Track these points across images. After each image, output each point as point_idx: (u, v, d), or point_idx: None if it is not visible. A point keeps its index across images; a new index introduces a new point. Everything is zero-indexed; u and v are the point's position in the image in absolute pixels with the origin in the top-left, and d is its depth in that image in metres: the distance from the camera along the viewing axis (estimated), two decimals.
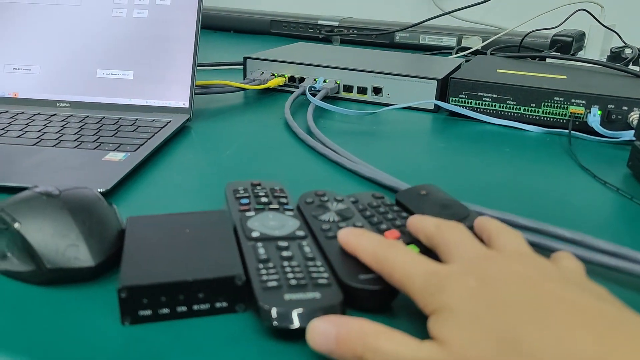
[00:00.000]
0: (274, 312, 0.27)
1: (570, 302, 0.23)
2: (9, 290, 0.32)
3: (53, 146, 0.51)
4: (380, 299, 0.30)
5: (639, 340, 0.20)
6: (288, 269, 0.30)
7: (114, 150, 0.51)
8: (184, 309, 0.29)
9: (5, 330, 0.28)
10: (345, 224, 0.36)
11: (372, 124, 0.66)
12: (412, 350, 0.24)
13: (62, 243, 0.32)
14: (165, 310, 0.29)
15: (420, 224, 0.33)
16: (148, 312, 0.29)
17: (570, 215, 0.44)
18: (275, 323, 0.27)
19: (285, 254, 0.32)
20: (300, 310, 0.27)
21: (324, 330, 0.25)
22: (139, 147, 0.52)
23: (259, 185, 0.41)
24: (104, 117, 0.60)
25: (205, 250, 0.31)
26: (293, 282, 0.29)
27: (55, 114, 0.60)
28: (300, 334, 0.27)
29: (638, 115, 0.60)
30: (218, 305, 0.30)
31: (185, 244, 0.32)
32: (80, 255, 0.32)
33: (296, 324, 0.27)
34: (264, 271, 0.30)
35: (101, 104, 0.63)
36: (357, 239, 0.31)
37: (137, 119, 0.59)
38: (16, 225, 0.32)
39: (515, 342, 0.21)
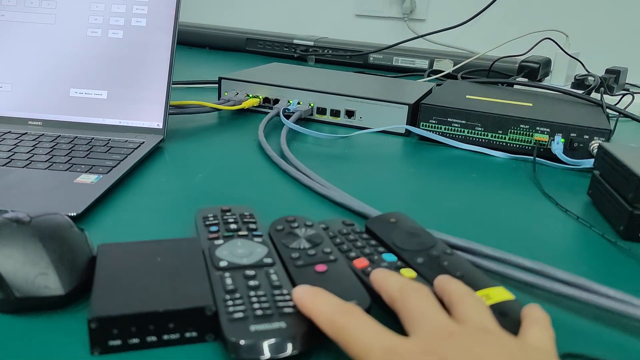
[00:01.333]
0: (240, 344, 0.28)
1: None
2: None
3: (24, 167, 0.51)
4: None
5: None
6: (254, 299, 0.31)
7: (86, 172, 0.51)
8: (153, 338, 0.29)
9: None
10: (314, 251, 0.36)
11: (345, 147, 0.68)
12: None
13: (32, 271, 0.32)
14: (135, 340, 0.29)
15: (384, 283, 0.31)
16: (118, 342, 0.29)
17: (532, 243, 0.46)
18: (242, 355, 0.28)
19: (252, 283, 0.32)
20: (266, 342, 0.28)
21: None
22: (111, 169, 0.52)
23: (229, 211, 0.42)
24: (77, 137, 0.60)
25: (176, 280, 0.32)
26: (259, 312, 0.30)
27: (26, 133, 0.60)
28: None
29: (597, 145, 0.62)
30: (188, 335, 0.30)
31: (156, 273, 0.33)
32: (50, 283, 0.32)
33: (261, 355, 0.28)
34: (230, 302, 0.30)
35: (74, 123, 0.63)
36: (312, 301, 0.29)
37: (110, 139, 0.60)
38: None
39: None
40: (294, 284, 0.33)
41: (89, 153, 0.55)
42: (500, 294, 0.33)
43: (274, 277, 0.33)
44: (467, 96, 0.78)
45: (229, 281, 0.32)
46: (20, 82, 0.64)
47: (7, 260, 0.32)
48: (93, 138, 0.60)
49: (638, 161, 0.48)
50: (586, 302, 0.35)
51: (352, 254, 0.37)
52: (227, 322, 0.29)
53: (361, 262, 0.36)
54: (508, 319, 0.31)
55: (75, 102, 0.64)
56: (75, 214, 0.43)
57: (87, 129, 0.63)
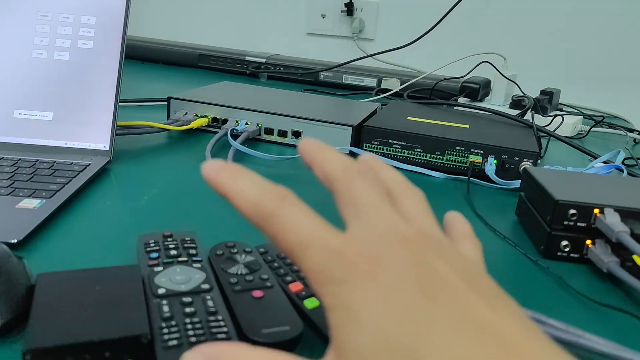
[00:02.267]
0: None
1: (491, 332, 0.20)
2: None
3: None
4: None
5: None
6: (189, 326, 0.32)
7: (29, 196, 0.51)
8: None
9: None
10: (251, 277, 0.38)
11: (291, 168, 0.70)
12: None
13: None
14: None
15: (320, 156, 0.27)
16: None
17: None
18: None
19: (188, 310, 0.34)
20: None
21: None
22: (55, 193, 0.52)
23: (171, 236, 0.43)
24: (20, 159, 0.60)
25: (114, 308, 0.33)
26: (193, 339, 0.31)
27: None
28: None
29: (523, 168, 0.66)
30: None
31: (95, 301, 0.34)
32: None
33: None
34: (165, 330, 0.32)
35: (18, 144, 0.63)
36: (233, 179, 0.24)
37: (55, 162, 0.60)
38: None
39: None
40: (230, 310, 0.35)
41: (33, 176, 0.56)
42: None
43: (210, 303, 0.35)
44: (409, 118, 0.81)
45: (165, 308, 0.34)
46: None
47: None
48: (37, 160, 0.60)
49: (556, 184, 0.52)
50: None
51: (288, 278, 0.39)
52: (162, 349, 0.30)
53: (296, 286, 0.38)
54: None
55: (19, 124, 0.63)
56: (16, 241, 0.43)
57: (31, 150, 0.63)
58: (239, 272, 0.39)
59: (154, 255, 0.40)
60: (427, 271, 0.22)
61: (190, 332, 0.32)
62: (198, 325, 0.32)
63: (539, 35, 1.36)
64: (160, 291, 0.35)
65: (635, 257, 0.45)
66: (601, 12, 1.31)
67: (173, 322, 0.32)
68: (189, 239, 0.43)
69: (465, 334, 0.20)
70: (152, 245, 0.41)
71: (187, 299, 0.35)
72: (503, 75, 1.06)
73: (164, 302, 0.34)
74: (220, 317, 0.33)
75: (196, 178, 0.63)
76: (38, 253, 0.43)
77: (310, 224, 0.23)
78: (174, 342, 0.31)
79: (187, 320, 0.33)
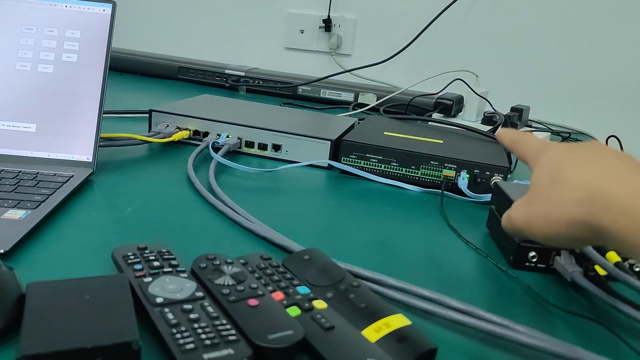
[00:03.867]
0: None
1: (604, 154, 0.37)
2: None
3: None
4: (286, 355, 0.35)
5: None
6: (199, 330, 0.34)
7: (14, 207, 0.52)
8: None
9: None
10: (242, 287, 0.40)
11: (271, 181, 0.72)
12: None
13: None
14: None
15: (519, 140, 0.44)
16: None
17: (435, 272, 0.51)
18: None
19: (192, 316, 0.35)
20: None
21: None
22: (40, 204, 0.53)
23: (146, 248, 0.44)
24: (3, 170, 0.60)
25: (104, 316, 0.34)
26: (207, 342, 0.33)
27: None
28: None
29: (494, 182, 0.70)
30: None
31: (85, 309, 0.35)
32: None
33: None
34: (178, 335, 0.33)
35: (1, 155, 0.63)
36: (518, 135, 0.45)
37: (38, 173, 0.60)
38: None
39: (562, 173, 0.36)
40: (230, 318, 0.36)
41: (17, 187, 0.56)
42: (399, 320, 0.38)
43: (210, 309, 0.36)
44: (385, 132, 0.84)
45: (170, 316, 0.35)
46: None
47: None
48: (21, 171, 0.60)
49: None
50: (474, 327, 0.40)
51: (270, 288, 0.41)
52: (181, 353, 0.32)
53: (278, 296, 0.40)
54: (404, 343, 0.36)
55: (2, 135, 0.64)
56: (2, 251, 0.44)
57: (14, 162, 0.63)
58: (227, 283, 0.40)
59: (138, 267, 0.41)
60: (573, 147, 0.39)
61: (203, 336, 0.33)
62: (207, 329, 0.34)
63: (510, 54, 1.41)
64: (158, 300, 0.37)
65: (597, 267, 0.48)
66: (568, 34, 1.36)
67: (182, 328, 0.34)
68: (165, 250, 0.44)
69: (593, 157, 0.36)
70: (132, 257, 0.43)
71: (188, 306, 0.36)
72: (475, 92, 1.10)
73: (166, 309, 0.36)
74: (224, 321, 0.35)
75: (178, 190, 0.65)
76: (25, 263, 0.44)
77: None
78: (191, 346, 0.32)
79: (195, 325, 0.34)
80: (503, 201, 0.58)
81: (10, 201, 0.53)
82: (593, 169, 0.35)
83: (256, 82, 1.36)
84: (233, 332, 0.34)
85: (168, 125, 0.83)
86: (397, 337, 0.36)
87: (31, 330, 0.32)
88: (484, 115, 1.08)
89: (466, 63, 1.41)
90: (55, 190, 0.57)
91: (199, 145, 0.79)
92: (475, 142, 0.85)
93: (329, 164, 0.78)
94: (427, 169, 0.74)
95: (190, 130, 0.83)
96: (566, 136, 1.10)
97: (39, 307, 0.35)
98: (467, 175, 0.73)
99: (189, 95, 1.12)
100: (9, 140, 0.64)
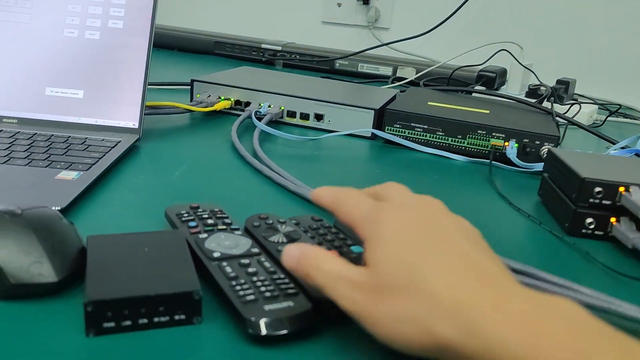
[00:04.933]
0: (262, 322, 0.31)
1: (465, 255, 0.29)
2: None
3: (3, 163, 0.52)
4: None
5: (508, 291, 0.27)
6: (258, 283, 0.34)
7: (66, 169, 0.53)
8: (145, 321, 0.32)
9: None
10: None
11: (314, 149, 0.71)
12: (347, 269, 0.30)
13: (26, 260, 0.34)
14: (128, 323, 0.32)
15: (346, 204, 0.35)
16: (111, 324, 0.31)
17: (487, 239, 0.50)
18: (263, 332, 0.31)
19: (250, 270, 0.35)
20: (282, 318, 0.31)
21: (293, 252, 0.33)
22: (90, 167, 0.54)
23: (199, 208, 0.44)
24: (53, 135, 0.61)
25: (165, 267, 0.34)
26: (267, 294, 0.33)
27: (1, 130, 0.61)
28: (277, 339, 0.31)
29: (547, 150, 0.67)
30: (177, 317, 0.33)
31: (146, 261, 0.35)
32: (44, 271, 0.34)
33: (283, 331, 0.31)
34: (238, 287, 0.33)
35: (49, 121, 0.64)
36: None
37: (87, 138, 0.61)
38: None
39: (420, 276, 0.28)
40: (287, 274, 0.36)
41: (67, 151, 0.57)
42: None
43: (267, 264, 0.36)
44: (429, 103, 0.82)
45: (228, 269, 0.35)
46: None
47: (2, 249, 0.34)
48: (70, 136, 0.61)
49: (581, 164, 0.53)
50: (534, 287, 0.39)
51: (324, 247, 0.40)
52: (242, 304, 0.32)
53: (332, 254, 0.39)
54: None
55: (50, 101, 0.65)
56: (59, 208, 0.44)
57: (62, 127, 0.64)
58: (282, 241, 0.40)
59: (193, 224, 0.41)
60: (432, 220, 0.32)
61: (263, 289, 0.33)
62: (266, 282, 0.34)
63: (555, 26, 1.37)
64: (216, 254, 0.37)
65: None
66: (616, 4, 1.31)
67: (242, 280, 0.34)
68: (217, 209, 0.44)
69: (453, 258, 0.29)
70: (186, 215, 0.43)
71: (245, 261, 0.36)
72: (521, 64, 1.06)
73: (224, 263, 0.36)
74: (282, 275, 0.35)
75: (223, 156, 0.65)
76: (80, 221, 0.45)
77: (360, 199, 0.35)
78: (251, 297, 0.32)
79: (254, 278, 0.34)
80: (558, 168, 0.56)
81: (62, 163, 0.54)
82: (455, 273, 0.28)
83: (293, 56, 1.35)
84: (292, 285, 0.34)
85: (210, 95, 0.83)
86: None
87: (95, 279, 0.33)
88: (528, 88, 1.05)
89: (509, 35, 1.37)
90: (105, 154, 0.57)
91: (240, 115, 0.79)
92: (522, 113, 0.83)
93: (372, 134, 0.77)
94: (474, 138, 0.72)
95: (231, 100, 0.82)
96: (616, 109, 1.06)
97: (100, 258, 0.35)
98: (516, 145, 0.71)
99: (226, 69, 1.12)
100: (58, 107, 0.65)
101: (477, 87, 1.10)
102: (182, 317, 0.33)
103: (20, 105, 0.64)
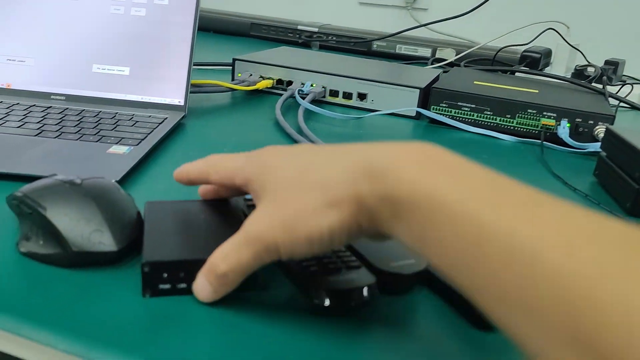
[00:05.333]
0: (326, 294, 0.30)
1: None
2: (36, 271, 0.33)
3: (55, 137, 0.53)
4: (408, 284, 0.33)
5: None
6: (320, 255, 0.33)
7: (117, 143, 0.53)
8: None
9: (34, 306, 0.30)
10: None
11: (358, 128, 0.70)
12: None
13: (86, 228, 0.34)
14: (183, 285, 0.32)
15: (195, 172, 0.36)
16: (167, 286, 0.31)
17: None
18: (327, 303, 0.30)
19: None
20: (347, 290, 0.31)
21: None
22: (140, 142, 0.54)
23: None
24: (101, 112, 0.61)
25: (221, 234, 0.33)
26: (330, 265, 0.32)
27: (51, 106, 0.61)
28: (340, 311, 0.31)
29: (604, 129, 0.65)
30: None
31: (202, 227, 0.35)
32: (104, 240, 0.34)
33: (348, 302, 0.30)
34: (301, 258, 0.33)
35: (96, 98, 0.64)
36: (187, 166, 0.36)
37: (134, 114, 0.61)
38: (43, 210, 0.34)
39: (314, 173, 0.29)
40: (350, 248, 0.35)
41: (116, 126, 0.57)
42: None
43: None
44: (475, 82, 0.80)
45: None
46: (43, 57, 0.65)
47: (64, 217, 0.34)
48: (117, 113, 0.61)
49: None
50: None
51: None
52: (305, 277, 0.31)
53: None
54: None
55: (97, 78, 0.65)
56: (114, 181, 0.44)
57: (109, 104, 0.64)
58: None
59: (248, 196, 0.41)
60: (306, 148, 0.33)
61: (325, 260, 0.33)
62: (328, 255, 0.33)
63: (601, 5, 1.32)
64: None
65: None
66: None
67: None
68: None
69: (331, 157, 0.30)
70: None
71: None
72: (568, 44, 1.03)
73: None
74: (343, 248, 0.34)
75: (267, 134, 0.64)
76: (133, 194, 0.45)
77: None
78: (314, 269, 0.32)
79: None
80: (619, 147, 0.53)
81: (112, 138, 0.54)
82: (340, 167, 0.29)
83: (329, 38, 1.33)
84: (354, 258, 0.34)
85: (251, 75, 0.82)
86: None
87: (153, 242, 0.33)
88: (575, 69, 1.01)
89: (554, 14, 1.33)
90: (152, 130, 0.57)
91: (282, 94, 0.78)
92: (572, 93, 0.80)
93: (417, 113, 0.76)
94: (524, 117, 0.70)
95: (273, 79, 0.82)
96: None
97: (158, 222, 0.35)
98: (568, 124, 0.68)
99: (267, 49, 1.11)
100: (105, 84, 0.65)
101: (523, 68, 1.07)
102: None
103: (68, 82, 0.65)
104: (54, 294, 0.31)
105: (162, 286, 0.31)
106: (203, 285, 0.31)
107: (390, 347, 0.29)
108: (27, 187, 0.36)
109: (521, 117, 0.70)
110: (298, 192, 0.28)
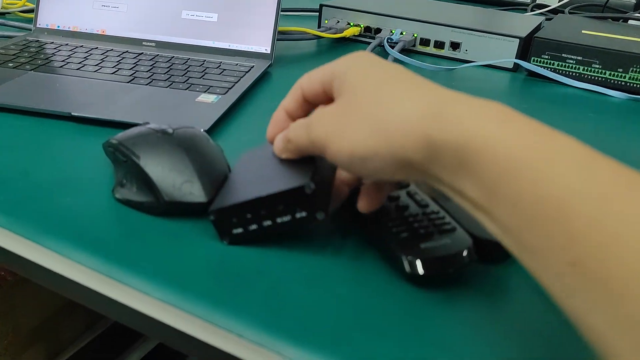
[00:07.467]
0: (419, 262, 0.29)
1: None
2: (129, 217, 0.34)
3: (147, 84, 0.53)
4: (505, 250, 0.31)
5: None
6: (411, 219, 0.31)
7: (205, 92, 0.53)
8: (269, 222, 0.31)
9: (127, 251, 0.31)
10: None
11: (450, 80, 0.66)
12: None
13: (178, 179, 0.34)
14: (254, 226, 0.31)
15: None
16: (240, 230, 0.32)
17: None
18: (421, 272, 0.29)
19: (400, 203, 0.33)
20: (438, 256, 0.29)
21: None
22: (228, 90, 0.53)
23: None
24: (190, 59, 0.61)
25: (286, 172, 0.32)
26: (422, 230, 0.30)
27: (142, 53, 0.62)
28: (436, 280, 0.30)
29: None
30: (298, 215, 0.31)
31: (271, 168, 0.33)
32: (194, 191, 0.34)
33: (444, 270, 0.29)
34: (390, 223, 0.31)
35: (185, 45, 0.64)
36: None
37: (221, 62, 0.61)
38: (137, 159, 0.35)
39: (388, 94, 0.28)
40: (441, 207, 0.33)
41: (204, 74, 0.57)
42: None
43: (417, 197, 0.34)
44: (583, 31, 0.73)
45: None
46: (135, 3, 0.66)
47: (157, 167, 0.34)
48: (205, 60, 0.61)
49: None
50: None
51: None
52: (396, 242, 0.30)
53: None
54: None
55: (186, 24, 0.65)
56: (203, 130, 0.44)
57: (198, 51, 0.64)
58: None
59: None
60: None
61: (416, 225, 0.31)
62: (418, 218, 0.32)
63: None
64: None
65: None
66: None
67: (393, 216, 0.32)
68: None
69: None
70: None
71: (394, 194, 0.34)
72: None
73: None
74: (435, 209, 0.32)
75: None
76: (222, 143, 0.45)
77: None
78: (405, 235, 0.30)
79: (406, 213, 0.32)
80: None
81: (200, 86, 0.54)
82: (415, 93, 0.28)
83: None
84: (447, 220, 0.31)
85: (339, 22, 0.79)
86: None
87: (224, 190, 0.34)
88: None
89: None
90: (240, 79, 0.57)
91: (369, 43, 0.75)
92: None
93: (515, 65, 0.70)
94: (638, 72, 0.63)
95: (361, 26, 0.78)
96: None
97: (240, 169, 0.36)
98: None
99: None
100: (193, 30, 0.65)
101: (636, 15, 0.96)
102: (303, 214, 0.30)
103: (158, 28, 0.65)
104: (146, 240, 0.32)
105: (235, 230, 0.32)
106: (277, 140, 0.33)
107: (484, 323, 0.27)
108: (121, 135, 0.37)
109: (635, 72, 0.63)
110: (364, 109, 0.28)
